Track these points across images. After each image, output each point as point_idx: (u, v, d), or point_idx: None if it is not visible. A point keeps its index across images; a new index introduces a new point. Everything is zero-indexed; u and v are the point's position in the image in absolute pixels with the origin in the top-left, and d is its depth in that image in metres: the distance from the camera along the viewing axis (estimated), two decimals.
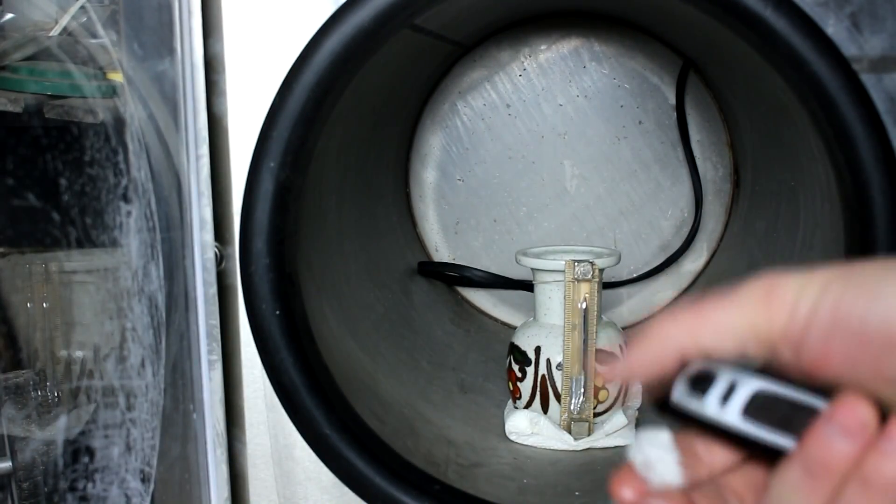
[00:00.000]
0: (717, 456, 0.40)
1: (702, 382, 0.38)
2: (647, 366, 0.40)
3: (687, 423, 0.39)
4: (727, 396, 0.37)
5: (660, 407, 0.39)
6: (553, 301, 0.96)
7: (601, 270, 0.93)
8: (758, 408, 0.36)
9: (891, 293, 0.34)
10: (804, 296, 0.36)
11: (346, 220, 1.00)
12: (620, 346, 0.96)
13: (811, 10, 0.70)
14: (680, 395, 0.38)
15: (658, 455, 0.39)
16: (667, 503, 0.39)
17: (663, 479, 0.39)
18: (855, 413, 0.34)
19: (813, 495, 0.35)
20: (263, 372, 0.77)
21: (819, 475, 0.35)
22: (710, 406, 0.37)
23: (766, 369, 0.37)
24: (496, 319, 1.27)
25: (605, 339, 0.95)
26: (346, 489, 0.79)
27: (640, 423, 0.96)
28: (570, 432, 0.93)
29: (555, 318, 0.96)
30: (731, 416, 0.37)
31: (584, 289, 0.91)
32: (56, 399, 0.86)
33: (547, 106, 1.24)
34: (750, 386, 0.36)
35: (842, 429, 0.34)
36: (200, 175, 0.73)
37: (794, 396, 0.36)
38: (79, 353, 0.87)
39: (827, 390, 0.36)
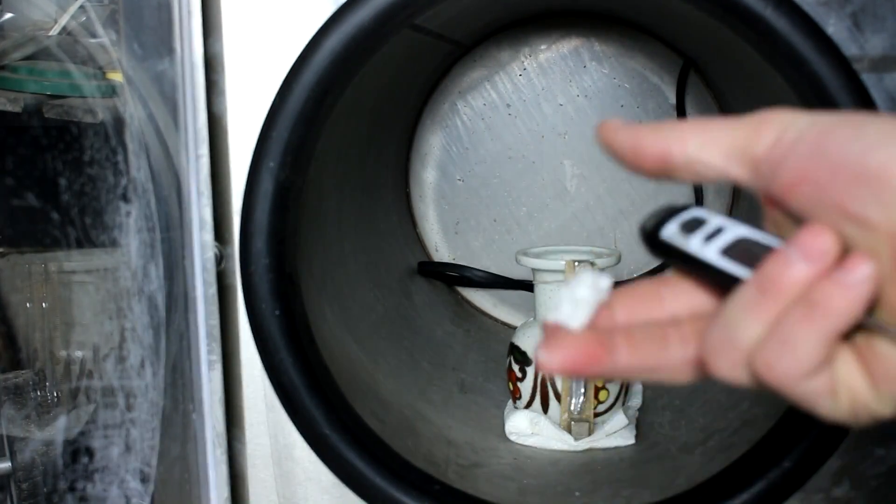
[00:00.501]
0: (680, 302, 0.41)
1: (692, 226, 0.40)
2: (626, 146, 0.41)
3: (671, 259, 0.40)
4: (711, 237, 0.39)
5: (650, 242, 0.41)
6: (553, 301, 0.96)
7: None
8: (738, 249, 0.38)
9: (873, 132, 0.35)
10: (793, 124, 0.38)
11: (346, 220, 1.00)
12: None
13: (811, 9, 0.70)
14: (669, 231, 0.40)
15: (568, 297, 0.41)
16: (565, 343, 0.40)
17: (559, 319, 0.40)
18: (818, 240, 0.35)
19: (759, 315, 0.36)
20: (263, 372, 0.77)
21: (771, 295, 0.35)
22: (693, 243, 0.39)
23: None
24: (496, 319, 1.27)
25: None
26: (346, 489, 0.78)
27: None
28: (570, 432, 0.93)
29: None
30: (711, 253, 0.38)
31: None
32: (56, 399, 0.86)
33: (547, 106, 1.24)
34: (735, 231, 0.38)
35: (802, 252, 0.35)
36: (200, 175, 0.73)
37: (774, 243, 0.37)
38: (78, 353, 0.87)
39: None
